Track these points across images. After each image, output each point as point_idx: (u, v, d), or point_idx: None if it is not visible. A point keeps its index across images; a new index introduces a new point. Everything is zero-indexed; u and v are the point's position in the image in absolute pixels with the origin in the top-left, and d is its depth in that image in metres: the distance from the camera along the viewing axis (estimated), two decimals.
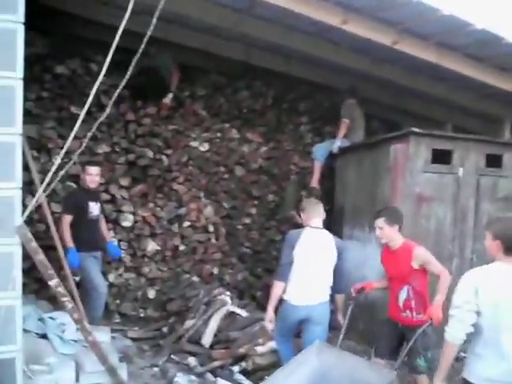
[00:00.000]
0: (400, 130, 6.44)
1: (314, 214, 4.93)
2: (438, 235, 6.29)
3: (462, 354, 6.08)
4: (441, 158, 6.23)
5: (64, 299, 4.08)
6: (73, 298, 4.68)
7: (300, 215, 5.22)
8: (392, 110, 8.74)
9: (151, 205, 7.15)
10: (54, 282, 3.98)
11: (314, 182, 7.60)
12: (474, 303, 3.13)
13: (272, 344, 5.42)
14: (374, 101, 8.39)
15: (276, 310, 4.80)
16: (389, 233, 4.56)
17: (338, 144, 7.42)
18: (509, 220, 3.36)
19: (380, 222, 4.56)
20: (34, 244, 3.87)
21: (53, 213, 5.78)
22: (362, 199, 6.82)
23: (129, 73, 3.78)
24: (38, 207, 5.67)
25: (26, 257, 4.02)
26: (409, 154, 6.03)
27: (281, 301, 4.78)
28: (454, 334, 3.23)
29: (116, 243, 6.62)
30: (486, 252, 3.41)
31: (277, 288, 4.71)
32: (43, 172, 5.73)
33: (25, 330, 4.16)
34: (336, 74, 7.82)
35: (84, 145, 4.47)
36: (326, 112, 8.56)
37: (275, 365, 5.29)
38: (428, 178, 6.16)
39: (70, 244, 5.62)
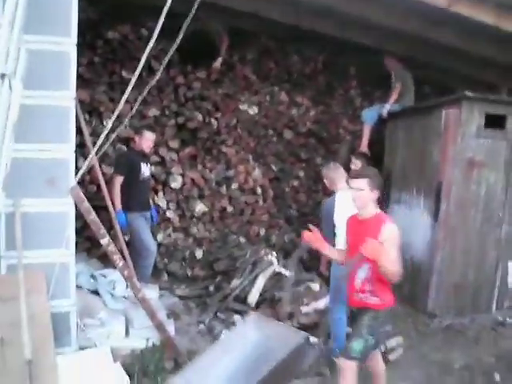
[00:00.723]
0: (452, 95, 6.30)
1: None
2: (488, 201, 6.22)
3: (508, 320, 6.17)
4: (494, 122, 6.10)
5: (115, 257, 4.24)
6: (123, 256, 4.84)
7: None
8: (445, 74, 8.53)
9: (200, 167, 7.26)
10: (105, 241, 4.14)
11: (364, 145, 7.54)
12: None
13: (316, 304, 5.54)
14: (426, 65, 8.21)
15: None
16: (368, 197, 3.82)
17: (387, 108, 7.32)
18: None
19: (362, 182, 3.82)
20: (87, 204, 4.03)
21: (104, 174, 5.95)
22: (411, 164, 6.76)
23: (179, 37, 3.82)
24: (90, 169, 5.86)
25: (78, 216, 4.19)
26: (461, 119, 5.94)
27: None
28: None
29: (156, 210, 6.73)
30: None
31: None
32: (95, 135, 5.90)
33: (77, 286, 4.34)
34: (388, 37, 7.65)
35: (135, 109, 4.58)
36: (377, 76, 8.43)
37: (318, 324, 5.42)
38: (480, 144, 6.07)
39: (119, 206, 5.76)
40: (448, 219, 6.09)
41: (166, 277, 7.05)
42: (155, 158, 6.85)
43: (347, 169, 6.65)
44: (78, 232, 5.37)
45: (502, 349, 5.55)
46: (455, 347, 5.52)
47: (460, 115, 5.94)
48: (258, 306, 5.74)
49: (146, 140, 5.98)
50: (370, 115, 7.58)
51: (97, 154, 4.28)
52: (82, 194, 4.01)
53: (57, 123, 3.79)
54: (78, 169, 4.04)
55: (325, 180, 5.33)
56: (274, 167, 7.81)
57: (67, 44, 3.72)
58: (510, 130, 6.18)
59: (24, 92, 3.58)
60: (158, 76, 4.27)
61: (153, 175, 6.61)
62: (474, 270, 6.30)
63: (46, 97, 3.73)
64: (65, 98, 3.79)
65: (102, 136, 3.91)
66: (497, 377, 4.88)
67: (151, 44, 3.62)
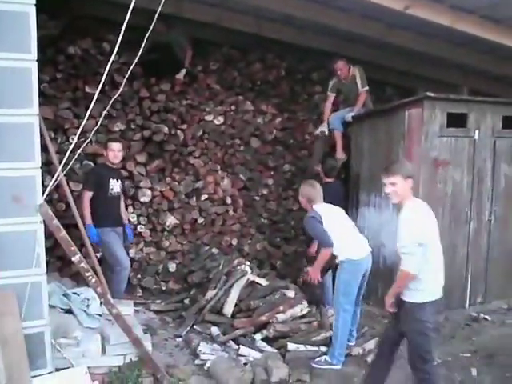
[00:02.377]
0: (414, 96, 6.40)
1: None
2: (455, 199, 6.34)
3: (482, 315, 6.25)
4: (456, 121, 6.22)
5: (87, 274, 4.17)
6: (96, 273, 4.77)
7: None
8: (406, 76, 8.65)
9: (168, 179, 7.23)
10: (76, 258, 4.07)
11: (339, 152, 7.57)
12: None
13: (293, 311, 5.54)
14: (387, 68, 8.33)
15: None
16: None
17: (352, 114, 7.39)
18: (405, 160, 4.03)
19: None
20: (56, 222, 3.96)
21: (72, 191, 5.88)
22: (378, 166, 6.79)
23: (141, 50, 3.80)
24: (58, 187, 5.78)
25: (48, 235, 4.12)
26: (424, 119, 6.04)
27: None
28: None
29: (131, 227, 6.68)
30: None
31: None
32: (61, 152, 5.86)
33: (50, 306, 4.26)
34: (348, 42, 7.76)
35: (99, 123, 4.54)
36: None
37: (297, 331, 5.42)
38: (444, 142, 6.19)
39: (89, 220, 5.75)
40: None
41: (140, 292, 6.99)
42: (124, 173, 6.79)
43: (322, 162, 6.82)
44: (48, 251, 5.29)
45: (477, 344, 5.62)
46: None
47: (422, 115, 6.03)
48: (233, 316, 5.72)
49: (111, 150, 5.94)
50: (337, 121, 7.61)
51: (63, 170, 4.21)
52: (50, 211, 3.94)
53: (21, 141, 3.71)
54: (45, 187, 3.97)
55: (300, 197, 5.44)
56: (242, 176, 7.80)
57: (27, 60, 3.65)
58: (471, 127, 6.31)
59: None
60: (121, 89, 4.22)
61: (124, 191, 6.54)
62: (445, 268, 6.28)
63: (8, 115, 3.66)
64: (28, 114, 3.72)
65: (68, 152, 3.86)
66: (473, 371, 4.94)
67: (113, 58, 3.59)
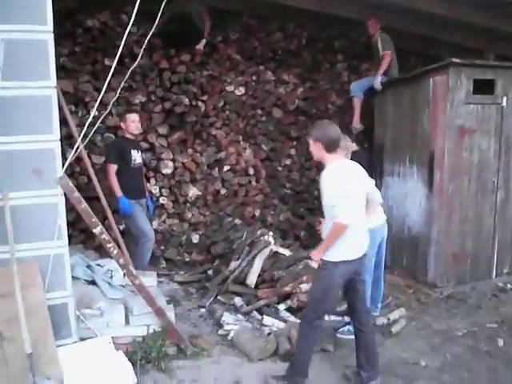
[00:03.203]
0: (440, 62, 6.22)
1: None
2: (481, 168, 6.20)
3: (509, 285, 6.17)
4: (483, 88, 6.06)
5: (109, 245, 4.19)
6: (118, 245, 4.79)
7: None
8: (430, 43, 8.44)
9: (190, 151, 7.20)
10: (97, 230, 4.08)
11: (356, 120, 7.46)
12: None
13: None
14: (411, 35, 8.12)
15: None
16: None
17: (379, 79, 7.18)
18: (324, 123, 4.04)
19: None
20: (77, 194, 3.96)
21: (93, 164, 5.88)
22: (402, 135, 6.71)
23: (157, 20, 3.74)
24: (79, 160, 5.81)
25: (71, 208, 4.13)
26: (449, 86, 5.88)
27: None
28: None
29: (153, 200, 6.69)
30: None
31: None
32: (82, 125, 5.81)
33: (74, 277, 4.29)
34: (371, 9, 7.56)
35: (117, 95, 4.51)
36: (362, 49, 8.33)
37: None
38: (470, 110, 6.03)
39: (119, 193, 5.73)
40: (442, 188, 6.06)
41: (163, 264, 7.03)
42: (144, 145, 6.78)
43: None
44: (71, 225, 5.33)
45: (504, 314, 5.56)
46: (457, 316, 5.53)
47: (448, 82, 5.87)
48: (257, 286, 5.71)
49: (131, 122, 5.91)
50: (358, 88, 7.49)
51: (83, 141, 4.20)
52: (71, 183, 3.94)
53: (39, 113, 3.70)
54: (66, 160, 3.97)
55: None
56: (264, 147, 7.75)
57: (43, 32, 3.63)
58: (499, 94, 6.13)
59: (3, 83, 3.52)
60: (138, 60, 4.20)
61: (145, 163, 6.55)
62: (471, 238, 6.29)
63: (25, 87, 3.65)
64: (45, 87, 3.70)
65: (87, 124, 3.85)
66: (500, 342, 4.88)
67: (129, 29, 3.54)
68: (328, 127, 3.95)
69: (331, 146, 3.87)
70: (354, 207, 3.84)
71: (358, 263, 3.96)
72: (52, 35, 3.67)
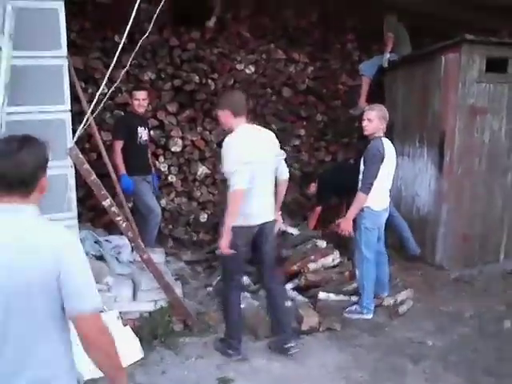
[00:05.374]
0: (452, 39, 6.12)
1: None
2: (492, 149, 6.15)
3: None
4: (496, 66, 5.96)
5: (118, 218, 4.19)
6: (128, 221, 4.79)
7: None
8: (444, 22, 8.33)
9: (200, 129, 7.16)
10: (107, 202, 4.08)
11: (362, 100, 7.40)
12: None
13: (324, 260, 5.50)
14: (424, 14, 8.01)
15: None
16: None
17: (387, 57, 7.13)
18: (229, 91, 4.54)
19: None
20: (87, 165, 3.96)
21: (104, 142, 5.86)
22: (413, 114, 6.65)
23: None
24: (90, 137, 5.79)
25: (81, 186, 4.12)
26: (461, 64, 5.81)
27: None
28: None
29: (157, 177, 6.65)
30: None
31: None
32: (92, 102, 5.79)
33: None
34: None
35: (125, 70, 4.48)
36: (373, 29, 8.24)
37: (328, 281, 5.39)
38: (482, 89, 5.96)
39: (123, 170, 5.71)
40: (453, 169, 6.02)
41: (171, 243, 7.02)
42: (154, 122, 6.77)
43: None
44: (81, 201, 5.31)
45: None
46: (465, 298, 5.53)
47: (460, 60, 5.80)
48: None
49: (137, 99, 5.86)
50: (368, 67, 7.41)
51: (93, 113, 4.19)
52: (81, 155, 3.93)
53: (50, 83, 3.71)
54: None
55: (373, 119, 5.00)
56: (274, 126, 7.68)
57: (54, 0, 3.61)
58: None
59: (14, 52, 3.50)
60: (145, 35, 4.14)
61: (152, 140, 6.53)
62: (480, 220, 6.24)
63: (36, 57, 3.63)
64: (56, 57, 3.69)
65: (96, 98, 3.83)
66: (507, 323, 4.88)
67: (138, 3, 3.52)
68: (233, 94, 4.31)
69: (237, 111, 4.00)
70: (257, 174, 3.90)
71: (262, 229, 4.08)
72: (63, 4, 3.64)
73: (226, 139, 3.95)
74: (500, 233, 6.37)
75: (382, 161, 4.76)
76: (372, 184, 4.76)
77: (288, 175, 4.42)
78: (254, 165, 3.86)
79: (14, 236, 1.83)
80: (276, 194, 4.29)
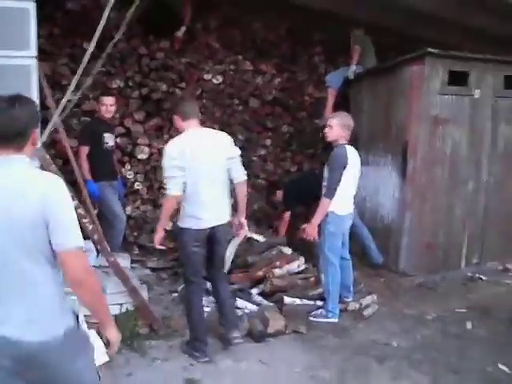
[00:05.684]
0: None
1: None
2: (453, 158, 6.31)
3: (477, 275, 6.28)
4: (458, 79, 6.16)
5: (84, 220, 4.17)
6: (94, 223, 4.76)
7: None
8: (408, 39, 8.53)
9: (166, 137, 7.12)
10: (73, 203, 4.05)
11: (329, 110, 7.52)
12: None
13: (289, 266, 5.55)
14: (388, 29, 8.20)
15: None
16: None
17: (353, 69, 7.29)
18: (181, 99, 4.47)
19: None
20: (54, 167, 3.95)
21: (71, 148, 5.83)
22: (377, 124, 6.79)
23: (135, 5, 3.76)
24: (55, 143, 5.77)
25: None
26: (425, 76, 5.98)
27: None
28: None
29: (123, 183, 6.64)
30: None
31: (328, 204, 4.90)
32: (58, 107, 5.77)
33: None
34: (350, 2, 7.62)
35: (91, 77, 4.49)
36: (340, 42, 8.39)
37: (293, 286, 5.44)
38: (444, 100, 6.13)
39: (88, 176, 5.71)
40: (415, 178, 6.17)
41: (136, 250, 6.98)
42: (121, 130, 6.77)
43: None
44: None
45: (472, 301, 5.66)
46: (427, 302, 5.61)
47: (424, 72, 5.97)
48: (230, 272, 5.72)
49: (104, 105, 5.87)
50: (334, 79, 7.56)
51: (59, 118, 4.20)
52: (48, 156, 3.92)
53: (18, 84, 3.68)
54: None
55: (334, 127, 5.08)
56: (240, 137, 7.75)
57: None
58: (472, 86, 6.26)
59: None
60: (113, 42, 4.19)
61: (119, 147, 6.53)
62: (443, 229, 6.40)
63: (5, 56, 3.63)
64: (25, 56, 3.69)
65: (60, 106, 3.83)
66: (468, 325, 5.00)
67: (107, 11, 3.56)
68: (184, 100, 4.71)
69: (185, 115, 4.12)
70: (202, 177, 4.00)
71: (214, 232, 4.12)
72: (34, 5, 3.67)
73: (167, 145, 4.06)
74: (461, 240, 6.53)
75: (345, 167, 4.85)
76: (335, 189, 4.84)
77: (245, 177, 4.38)
78: (196, 169, 3.95)
79: (10, 182, 2.02)
80: (236, 197, 4.36)
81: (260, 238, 6.14)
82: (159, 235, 4.26)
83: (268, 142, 8.07)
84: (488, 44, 8.36)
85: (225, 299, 4.43)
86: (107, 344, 2.34)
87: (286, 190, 6.89)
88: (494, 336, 4.81)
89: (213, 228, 4.11)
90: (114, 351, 2.38)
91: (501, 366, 4.23)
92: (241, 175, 4.31)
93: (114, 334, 2.34)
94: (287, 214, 6.74)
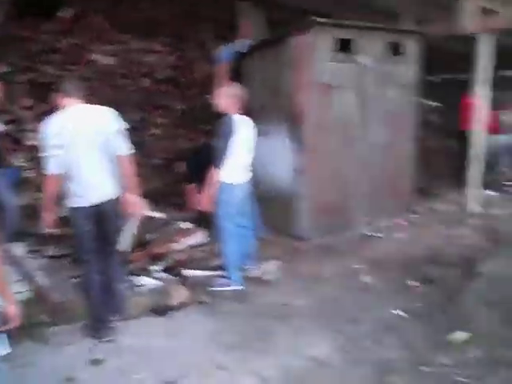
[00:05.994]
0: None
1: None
2: (344, 122, 6.54)
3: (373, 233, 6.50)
4: (344, 47, 6.37)
5: None
6: None
7: None
8: (299, 13, 8.64)
9: None
10: None
11: (220, 84, 7.52)
12: None
13: (188, 240, 5.60)
14: (282, 6, 8.27)
15: None
16: None
17: (243, 43, 7.39)
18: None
19: None
20: None
21: None
22: (269, 95, 6.87)
23: None
24: None
25: None
26: (312, 45, 6.14)
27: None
28: None
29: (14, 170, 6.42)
30: None
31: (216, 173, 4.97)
32: None
33: None
34: None
35: None
36: (229, 17, 8.45)
37: (194, 259, 5.51)
38: (332, 68, 6.31)
39: None
40: (309, 144, 6.33)
41: (32, 239, 6.78)
42: (8, 117, 6.52)
43: None
44: None
45: (369, 257, 5.93)
46: (326, 261, 5.82)
47: (310, 41, 6.12)
48: (132, 250, 5.68)
49: None
50: (225, 54, 7.57)
51: None
52: None
53: None
54: None
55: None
56: (133, 116, 7.65)
57: None
58: (358, 53, 6.49)
59: None
60: None
61: (7, 133, 6.30)
62: (337, 191, 6.61)
63: None
64: None
65: None
66: (364, 278, 5.27)
67: None
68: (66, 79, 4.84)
69: (65, 93, 4.06)
70: (81, 154, 3.94)
71: (100, 207, 4.08)
72: None
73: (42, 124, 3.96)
74: (355, 201, 6.78)
75: (232, 136, 4.94)
76: (223, 158, 4.93)
77: (128, 151, 4.14)
78: (76, 145, 3.88)
79: None
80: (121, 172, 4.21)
81: (158, 214, 6.12)
82: (47, 219, 4.16)
83: (161, 120, 8.02)
84: (371, 16, 8.65)
85: (112, 276, 4.37)
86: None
87: (187, 163, 6.89)
88: (387, 286, 5.10)
89: (101, 204, 4.06)
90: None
91: (396, 312, 4.52)
92: (122, 148, 4.08)
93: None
94: (191, 187, 6.72)
